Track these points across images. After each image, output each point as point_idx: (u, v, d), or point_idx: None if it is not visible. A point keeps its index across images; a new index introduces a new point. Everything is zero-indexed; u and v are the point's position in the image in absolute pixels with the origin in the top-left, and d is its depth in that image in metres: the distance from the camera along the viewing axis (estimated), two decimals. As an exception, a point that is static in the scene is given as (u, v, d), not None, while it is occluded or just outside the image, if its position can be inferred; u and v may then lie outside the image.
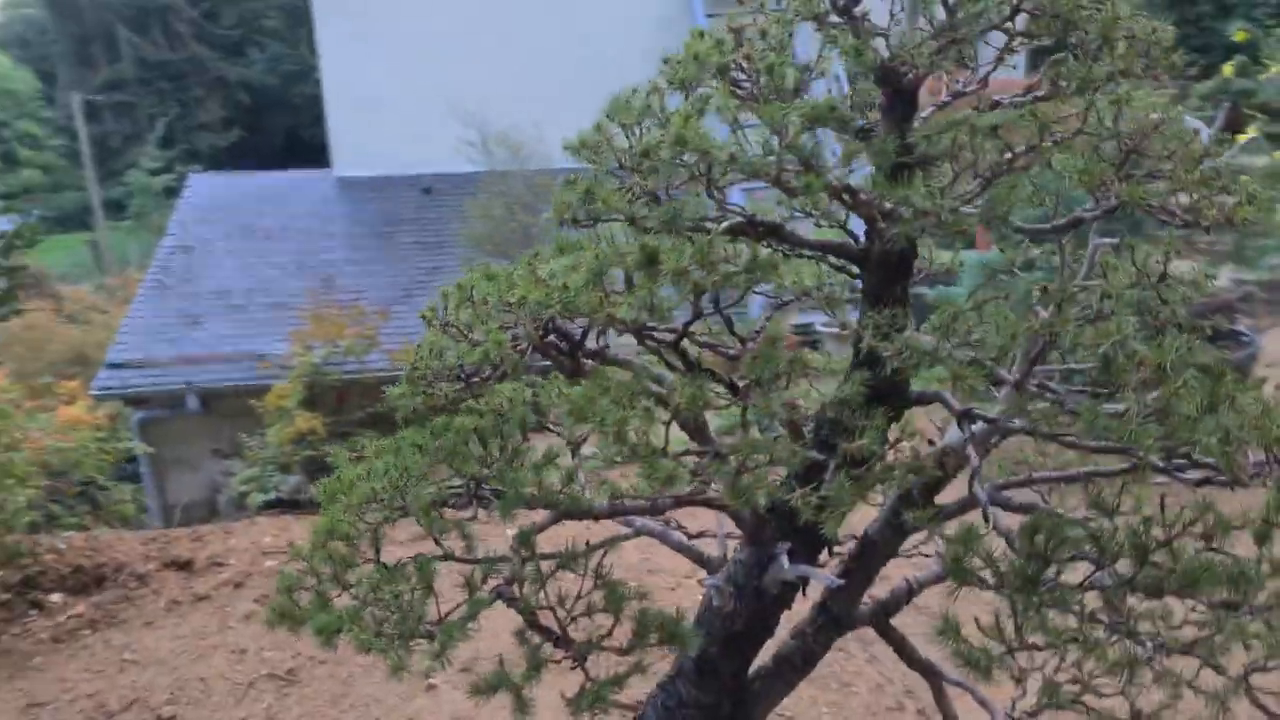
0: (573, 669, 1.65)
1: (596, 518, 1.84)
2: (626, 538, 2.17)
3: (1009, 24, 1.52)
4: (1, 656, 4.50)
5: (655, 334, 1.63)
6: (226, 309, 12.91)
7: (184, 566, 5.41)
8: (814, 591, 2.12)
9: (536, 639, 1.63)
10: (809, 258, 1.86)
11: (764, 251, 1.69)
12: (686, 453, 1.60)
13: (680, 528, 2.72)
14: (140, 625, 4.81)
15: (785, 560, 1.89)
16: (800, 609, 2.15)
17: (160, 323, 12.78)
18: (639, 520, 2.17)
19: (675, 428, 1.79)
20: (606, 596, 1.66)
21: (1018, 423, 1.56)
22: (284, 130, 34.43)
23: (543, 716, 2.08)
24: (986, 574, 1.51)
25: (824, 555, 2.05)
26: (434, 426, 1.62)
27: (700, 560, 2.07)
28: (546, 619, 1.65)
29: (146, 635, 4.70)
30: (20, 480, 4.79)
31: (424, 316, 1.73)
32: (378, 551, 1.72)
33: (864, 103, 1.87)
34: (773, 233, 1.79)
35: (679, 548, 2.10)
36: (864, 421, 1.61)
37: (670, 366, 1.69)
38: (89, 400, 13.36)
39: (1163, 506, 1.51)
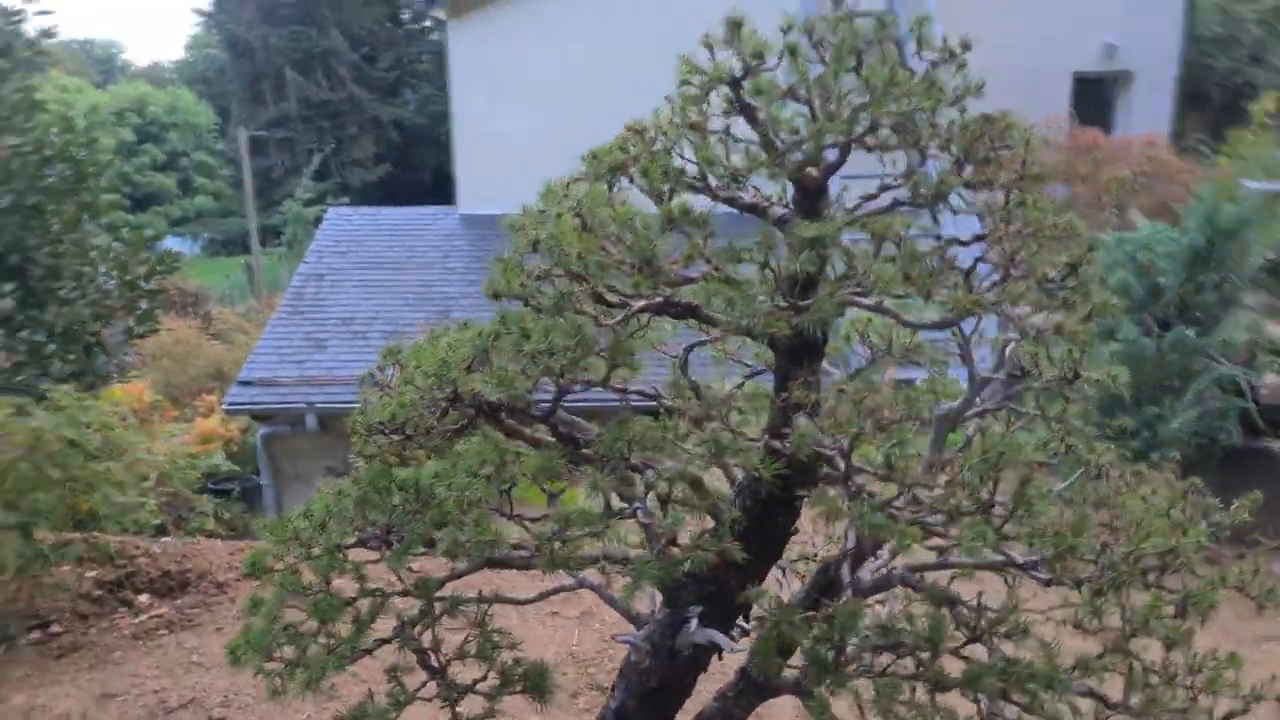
0: (442, 709, 1.79)
1: (517, 568, 1.98)
2: (570, 589, 2.30)
3: (870, 136, 1.61)
4: (87, 649, 4.96)
5: (520, 408, 1.76)
6: (350, 335, 13.68)
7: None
8: (740, 656, 2.19)
9: (410, 678, 1.78)
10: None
11: (627, 337, 1.81)
12: (544, 517, 1.73)
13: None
14: (212, 630, 5.20)
15: (695, 623, 1.99)
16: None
17: (289, 345, 13.64)
18: (582, 573, 2.30)
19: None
20: (480, 644, 1.80)
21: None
22: (431, 167, 36.16)
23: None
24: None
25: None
26: (355, 475, 1.81)
27: (630, 616, 2.18)
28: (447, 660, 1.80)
29: (215, 640, 5.08)
30: (119, 487, 5.28)
31: (367, 374, 1.93)
32: (327, 583, 1.92)
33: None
34: (690, 312, 1.92)
35: (612, 602, 2.21)
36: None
37: (562, 439, 1.82)
38: (223, 414, 14.41)
39: (979, 604, 1.54)
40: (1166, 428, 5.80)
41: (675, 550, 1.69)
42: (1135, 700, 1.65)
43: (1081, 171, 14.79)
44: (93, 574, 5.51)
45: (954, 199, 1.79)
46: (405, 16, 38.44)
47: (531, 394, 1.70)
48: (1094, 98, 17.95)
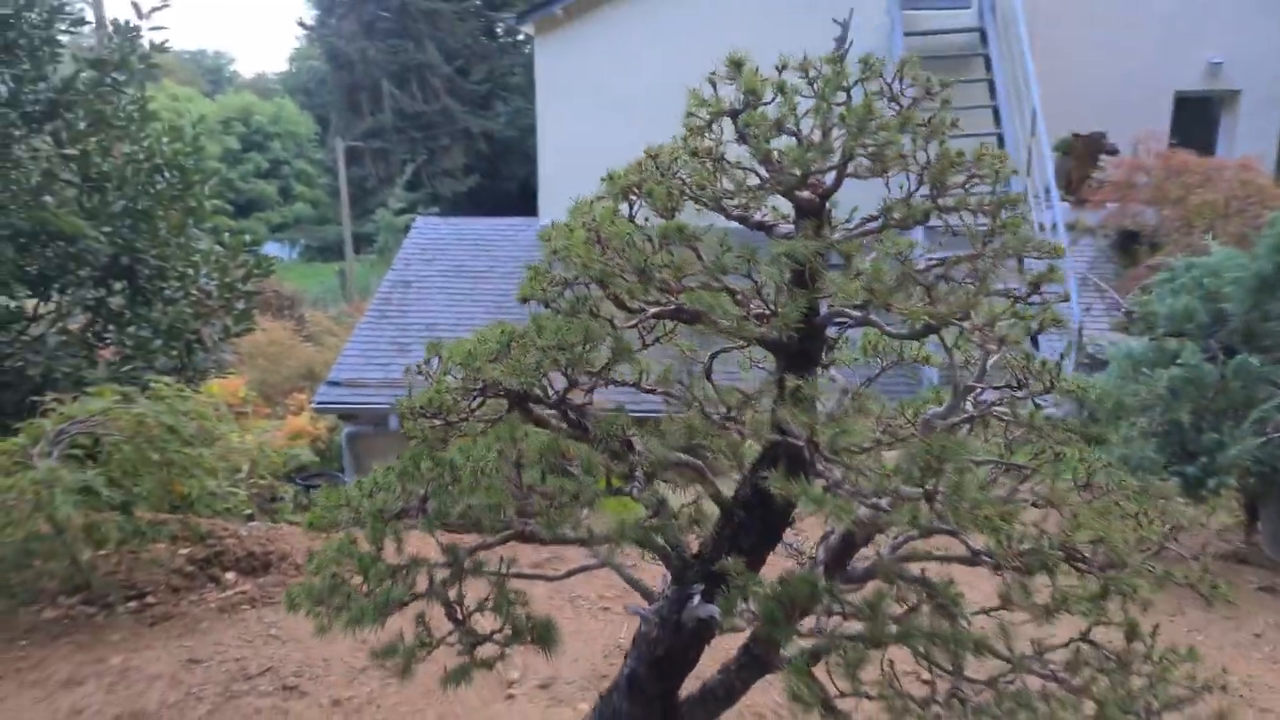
0: (461, 654, 2.04)
1: (543, 542, 2.22)
2: (592, 567, 2.53)
3: (849, 164, 1.81)
4: (178, 618, 5.39)
5: (538, 397, 2.01)
6: (433, 340, 14.20)
7: (337, 563, 6.19)
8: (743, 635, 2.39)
9: (433, 625, 2.04)
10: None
11: (630, 339, 2.04)
12: (546, 491, 1.96)
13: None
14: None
15: (697, 599, 2.20)
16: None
17: (375, 348, 14.24)
18: (605, 556, 2.53)
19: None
20: (497, 600, 2.04)
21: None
22: (519, 178, 37.02)
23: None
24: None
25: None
26: (401, 454, 2.08)
27: (644, 592, 2.41)
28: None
29: (291, 617, 5.42)
30: (211, 472, 5.72)
31: (412, 366, 2.20)
32: (379, 549, 2.20)
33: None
34: (698, 319, 2.14)
35: (629, 580, 2.44)
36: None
37: (571, 424, 2.06)
38: (312, 412, 15.09)
39: (924, 579, 1.71)
40: (1225, 455, 5.76)
41: (653, 522, 1.91)
42: (1079, 680, 1.80)
43: (1172, 195, 14.46)
44: (185, 552, 5.96)
45: (939, 222, 1.99)
46: (499, 30, 39.41)
47: (545, 382, 1.95)
48: (1200, 118, 17.42)
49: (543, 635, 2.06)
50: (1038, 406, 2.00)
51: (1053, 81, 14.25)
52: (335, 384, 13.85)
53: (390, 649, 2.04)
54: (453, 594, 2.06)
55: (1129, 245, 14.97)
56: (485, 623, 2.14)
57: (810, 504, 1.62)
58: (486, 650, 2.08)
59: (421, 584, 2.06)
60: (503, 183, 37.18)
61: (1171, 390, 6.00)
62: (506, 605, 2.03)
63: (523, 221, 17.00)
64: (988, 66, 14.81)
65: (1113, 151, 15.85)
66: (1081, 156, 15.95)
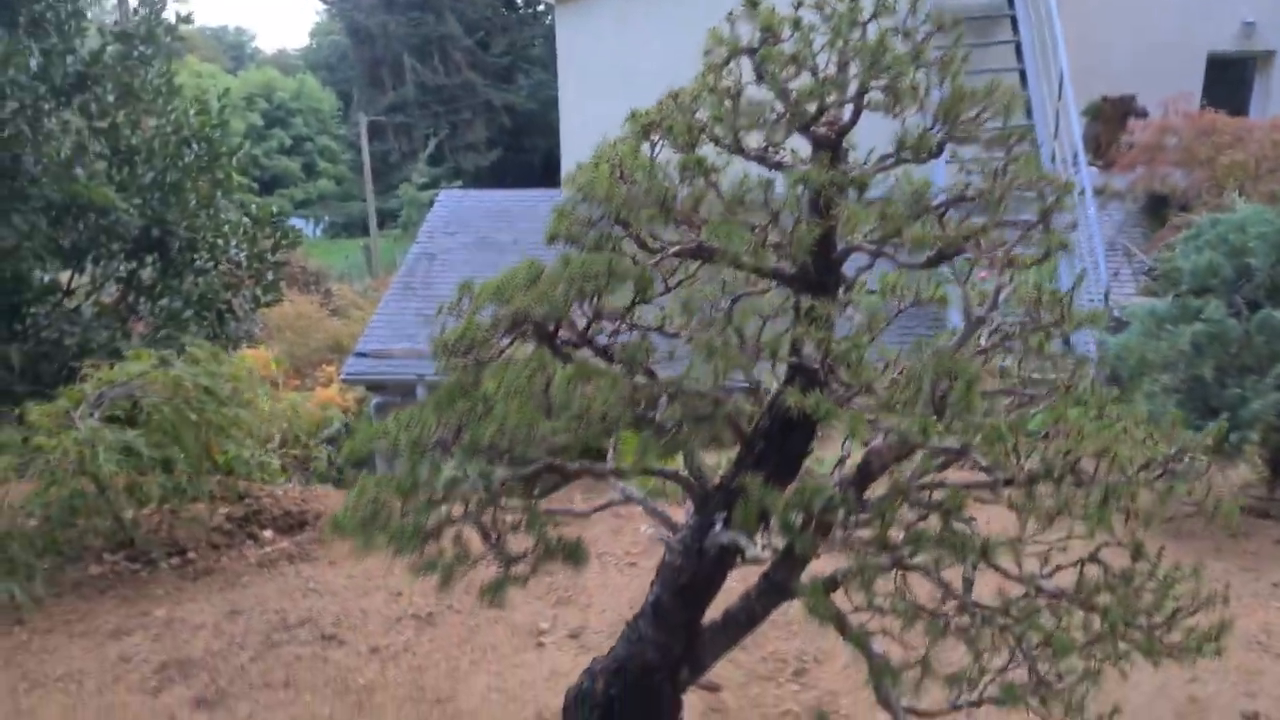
0: (498, 571, 2.15)
1: (571, 475, 2.32)
2: (617, 503, 2.63)
3: (865, 98, 1.87)
4: (218, 573, 5.57)
5: (559, 330, 2.10)
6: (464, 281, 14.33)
7: (369, 522, 6.35)
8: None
9: (467, 545, 2.15)
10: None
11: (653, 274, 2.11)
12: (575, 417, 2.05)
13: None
14: (325, 563, 5.75)
15: (719, 527, 2.30)
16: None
17: (401, 320, 14.38)
18: (631, 491, 2.63)
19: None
20: (528, 523, 2.14)
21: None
22: (541, 151, 36.99)
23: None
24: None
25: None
26: (436, 389, 2.18)
27: (669, 524, 2.50)
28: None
29: (328, 571, 5.63)
30: (249, 434, 5.88)
31: (443, 304, 2.30)
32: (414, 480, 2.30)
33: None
34: (717, 255, 2.21)
35: (653, 513, 2.54)
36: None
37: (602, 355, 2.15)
38: (340, 384, 15.30)
39: (931, 496, 1.79)
40: (1248, 410, 5.77)
41: (677, 438, 2.00)
42: (1083, 594, 1.88)
43: (1201, 156, 14.26)
44: (224, 511, 6.14)
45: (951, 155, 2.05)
46: (519, 2, 39.27)
47: (572, 318, 2.04)
48: (1233, 79, 17.10)
49: (572, 553, 2.17)
50: (1049, 336, 2.07)
51: (1081, 43, 14.04)
52: (363, 355, 14.02)
53: (430, 563, 2.14)
54: (486, 519, 2.16)
55: (1158, 209, 14.79)
56: (518, 545, 2.24)
57: (825, 416, 1.70)
58: (520, 569, 2.19)
59: (457, 511, 2.16)
60: (525, 156, 37.18)
61: (1194, 346, 6.01)
62: (538, 526, 2.13)
63: (546, 194, 17.03)
64: (1014, 28, 14.62)
65: (1142, 114, 15.61)
66: (1110, 120, 15.74)
